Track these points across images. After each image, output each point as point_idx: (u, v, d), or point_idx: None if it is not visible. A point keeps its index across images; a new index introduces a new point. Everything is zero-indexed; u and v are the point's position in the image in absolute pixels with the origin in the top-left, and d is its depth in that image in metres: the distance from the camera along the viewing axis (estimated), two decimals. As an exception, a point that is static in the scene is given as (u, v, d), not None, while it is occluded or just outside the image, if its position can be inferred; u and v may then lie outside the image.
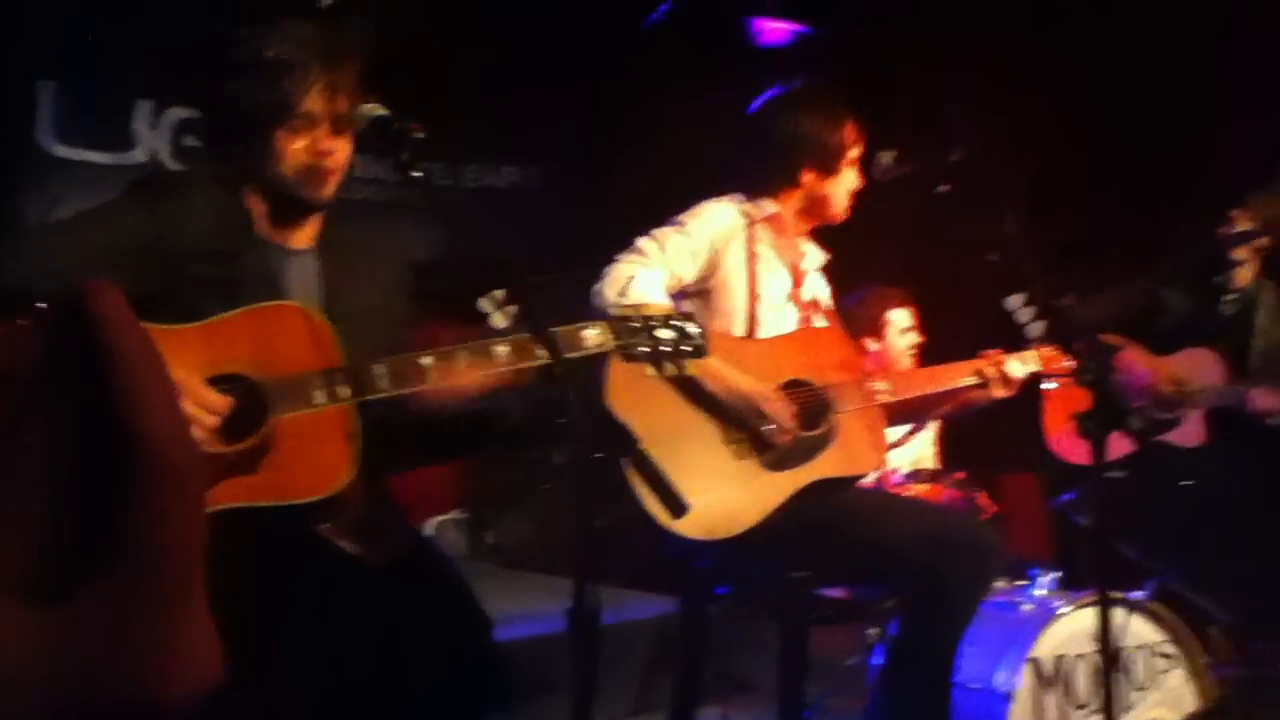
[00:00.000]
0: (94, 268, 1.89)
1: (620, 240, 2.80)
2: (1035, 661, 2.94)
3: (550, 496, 5.14)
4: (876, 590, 2.99)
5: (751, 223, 2.89)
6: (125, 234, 2.02)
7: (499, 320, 2.08)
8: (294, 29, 2.08)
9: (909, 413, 3.07)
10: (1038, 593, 3.14)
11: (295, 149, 2.07)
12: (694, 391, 2.67)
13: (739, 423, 2.67)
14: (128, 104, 4.67)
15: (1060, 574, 3.26)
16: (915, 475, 3.62)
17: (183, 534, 1.06)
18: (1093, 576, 3.78)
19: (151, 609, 1.04)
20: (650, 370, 2.19)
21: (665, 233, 2.79)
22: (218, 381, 1.90)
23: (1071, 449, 3.90)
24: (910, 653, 2.71)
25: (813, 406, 2.75)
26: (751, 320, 2.85)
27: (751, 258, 2.87)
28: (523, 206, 5.57)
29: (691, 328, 2.22)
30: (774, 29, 5.42)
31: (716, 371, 2.67)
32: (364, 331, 2.08)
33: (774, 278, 2.91)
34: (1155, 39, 4.29)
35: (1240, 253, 3.90)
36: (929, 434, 4.02)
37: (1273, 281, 3.91)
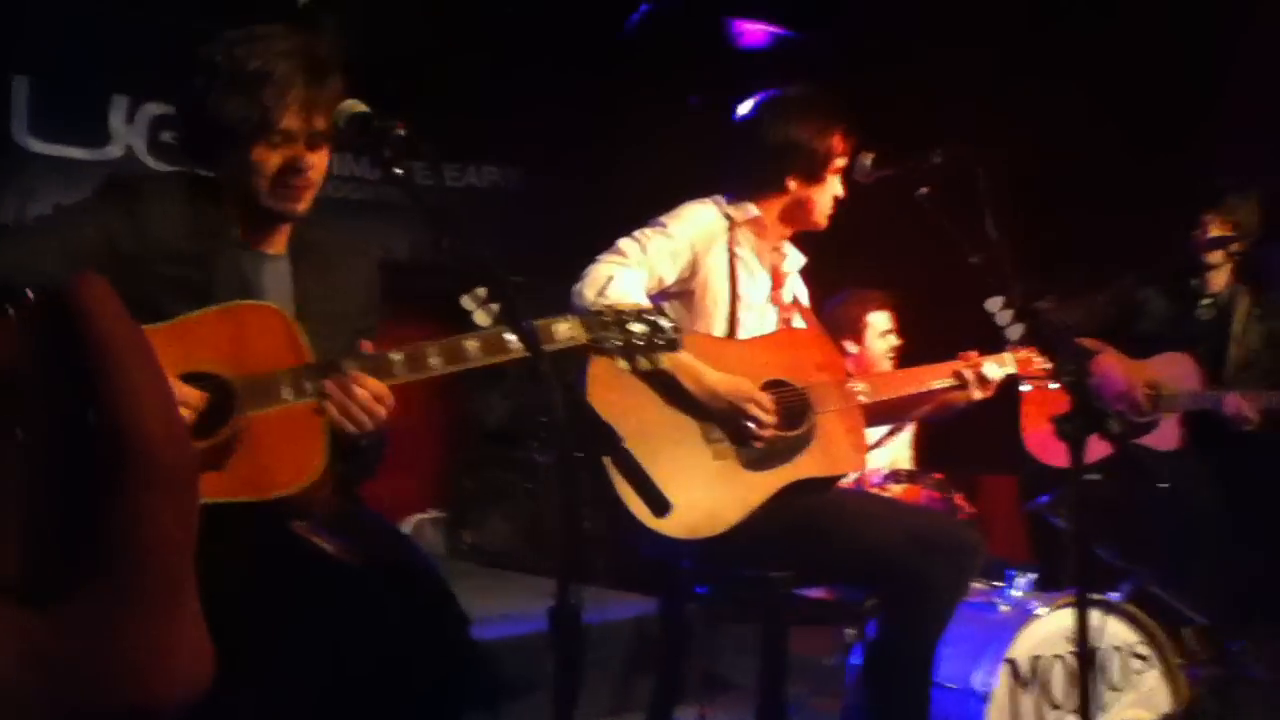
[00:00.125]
0: (67, 266, 1.88)
1: (601, 241, 2.80)
2: (1012, 662, 2.96)
3: (530, 496, 5.14)
4: (856, 590, 2.99)
5: (733, 225, 2.89)
6: (99, 233, 2.01)
7: (481, 318, 2.08)
8: (277, 40, 2.07)
9: (888, 414, 3.09)
10: (1015, 594, 3.16)
11: (272, 163, 2.07)
12: (675, 391, 2.67)
13: (720, 422, 2.68)
14: (104, 99, 4.62)
15: (1037, 575, 3.27)
16: (893, 476, 3.63)
17: (175, 532, 1.05)
18: (1069, 578, 3.81)
19: (143, 609, 1.03)
20: (623, 364, 2.20)
21: (646, 233, 2.79)
22: (187, 380, 1.90)
23: (1049, 451, 3.94)
24: (889, 653, 2.72)
25: (793, 407, 2.76)
26: (732, 321, 2.85)
27: (732, 259, 2.87)
28: (503, 206, 5.56)
29: (664, 321, 2.23)
30: (754, 31, 5.43)
31: (697, 371, 2.67)
32: (337, 334, 2.08)
33: (754, 280, 2.91)
34: (1141, 38, 4.32)
35: (1214, 257, 3.94)
36: (905, 436, 4.04)
37: (1247, 286, 3.96)
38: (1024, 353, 2.95)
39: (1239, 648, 3.51)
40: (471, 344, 2.06)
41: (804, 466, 2.72)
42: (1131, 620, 3.09)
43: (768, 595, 2.66)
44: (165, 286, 2.01)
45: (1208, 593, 3.61)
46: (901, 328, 3.99)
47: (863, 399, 2.84)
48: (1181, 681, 3.07)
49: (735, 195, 2.93)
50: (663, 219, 2.83)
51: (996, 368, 2.94)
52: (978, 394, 2.92)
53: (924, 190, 2.60)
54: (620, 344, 2.19)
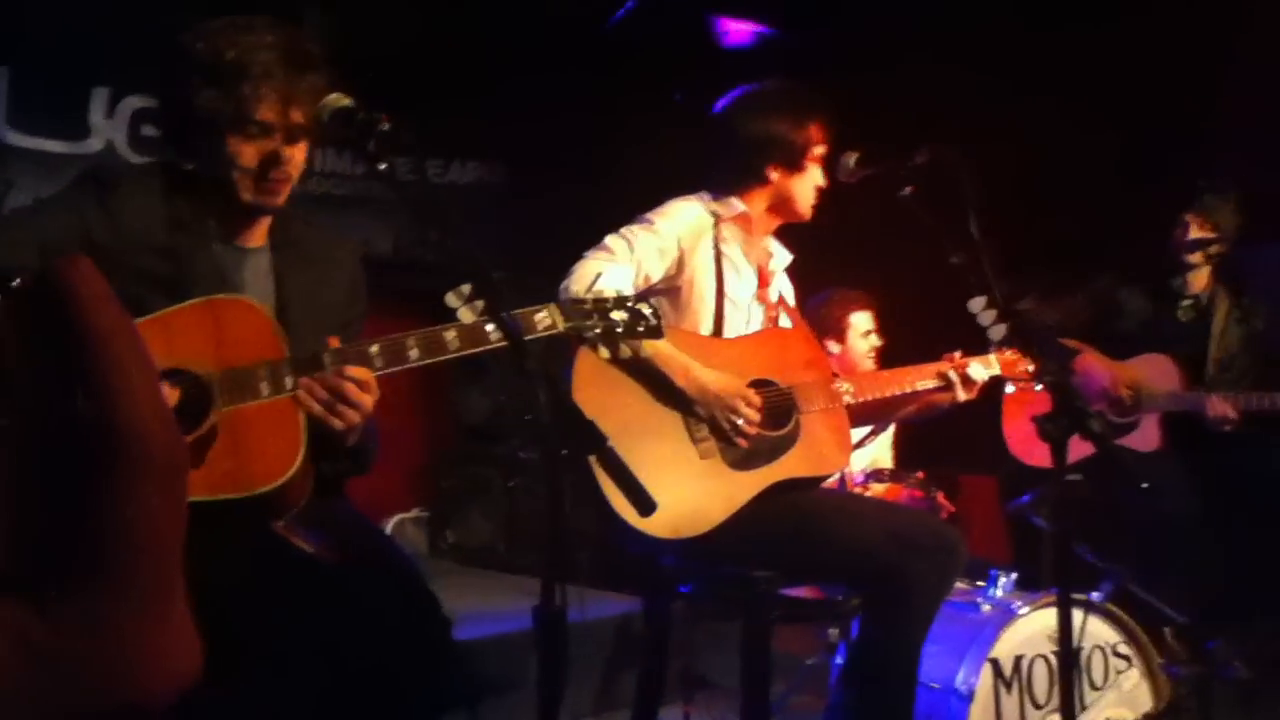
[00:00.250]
0: (41, 259, 1.86)
1: (585, 238, 2.80)
2: (995, 662, 2.97)
3: (512, 494, 5.12)
4: (839, 589, 3.00)
5: (719, 221, 2.89)
6: (74, 225, 2.00)
7: (466, 315, 2.06)
8: (256, 32, 2.05)
9: (872, 414, 3.09)
10: (997, 593, 3.17)
11: (248, 155, 2.06)
12: (661, 388, 2.67)
13: (706, 420, 2.67)
14: (84, 92, 4.58)
15: (1017, 575, 3.28)
16: (875, 475, 3.64)
17: (166, 522, 1.03)
18: (1049, 577, 3.83)
19: (134, 602, 1.01)
20: (604, 352, 2.19)
21: (633, 230, 2.78)
22: (163, 375, 1.87)
23: (1031, 450, 3.95)
24: (872, 653, 2.72)
25: (778, 406, 2.76)
26: (718, 318, 2.85)
27: (719, 257, 2.87)
28: (486, 202, 5.54)
29: (645, 308, 2.23)
30: (738, 29, 5.43)
31: (687, 366, 2.67)
32: (319, 329, 2.07)
33: (741, 277, 2.91)
34: (1129, 42, 4.34)
35: (1194, 257, 3.96)
36: (886, 435, 4.05)
37: (1226, 288, 3.98)
38: (1008, 354, 2.95)
39: (1217, 647, 3.53)
40: (450, 334, 2.04)
41: (789, 466, 2.72)
42: (1113, 619, 3.10)
43: (751, 594, 2.66)
44: (141, 280, 1.99)
45: (1187, 592, 3.63)
46: (883, 328, 4.01)
47: (848, 399, 2.84)
48: (1163, 680, 3.09)
49: (719, 191, 2.93)
50: (649, 216, 2.83)
51: (982, 369, 2.95)
52: (963, 395, 2.93)
53: (907, 190, 2.60)
54: (600, 332, 2.18)
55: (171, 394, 1.86)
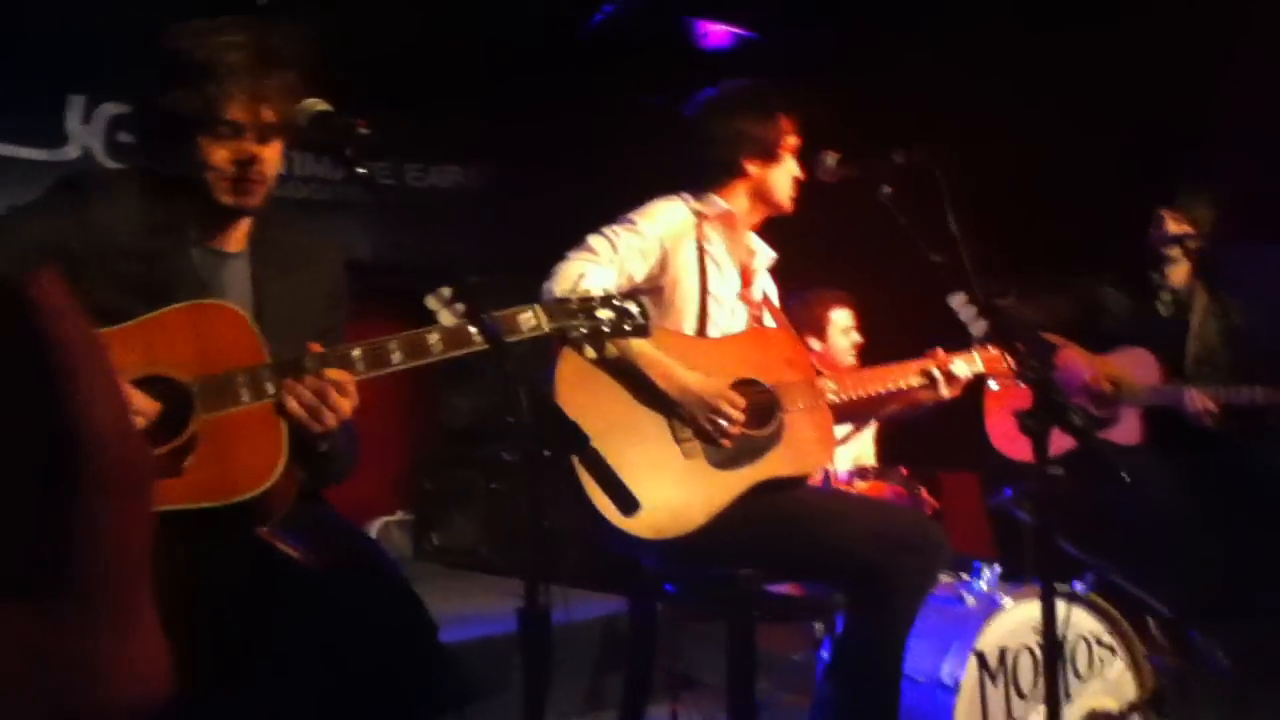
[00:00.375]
0: (16, 268, 1.85)
1: (564, 240, 2.79)
2: (980, 654, 2.98)
3: (496, 497, 5.12)
4: (823, 586, 3.00)
5: (702, 220, 2.90)
6: (49, 234, 1.98)
7: (446, 318, 2.06)
8: (226, 32, 2.04)
9: (857, 412, 3.10)
10: (981, 586, 3.18)
11: (221, 157, 2.05)
12: (644, 389, 2.67)
13: (689, 421, 2.68)
14: (60, 98, 4.56)
15: (1001, 568, 3.30)
16: (860, 472, 3.65)
17: (128, 537, 1.03)
18: (1031, 570, 3.85)
19: (96, 616, 1.00)
20: (590, 352, 2.18)
21: (616, 230, 2.79)
22: (143, 384, 1.88)
23: (1012, 444, 3.97)
24: (856, 649, 2.73)
25: (762, 405, 2.76)
26: (702, 318, 2.86)
27: (702, 255, 2.87)
28: (466, 206, 5.54)
29: (632, 306, 2.21)
30: (717, 32, 5.44)
31: (668, 368, 2.67)
32: (299, 334, 2.06)
33: (724, 276, 2.91)
34: (1121, 35, 4.36)
35: (1173, 252, 3.99)
36: (869, 433, 4.07)
37: (1205, 283, 4.01)
38: (991, 350, 2.96)
39: (1199, 638, 3.55)
40: (433, 337, 2.04)
41: (772, 465, 2.73)
42: (1097, 610, 3.12)
43: (735, 592, 2.66)
44: (119, 286, 1.98)
45: (1168, 584, 3.65)
46: (864, 326, 4.02)
47: (831, 398, 2.85)
48: (1147, 671, 3.10)
49: (699, 190, 2.94)
50: (632, 216, 2.83)
51: (965, 366, 2.96)
52: (946, 392, 2.93)
53: (886, 190, 2.62)
54: (586, 332, 2.17)
55: (152, 406, 1.85)
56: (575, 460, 2.35)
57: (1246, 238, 4.01)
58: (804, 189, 2.99)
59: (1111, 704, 3.07)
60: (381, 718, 1.95)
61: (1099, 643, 3.09)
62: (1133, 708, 3.06)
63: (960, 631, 3.00)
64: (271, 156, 2.10)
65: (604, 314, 2.19)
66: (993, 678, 2.99)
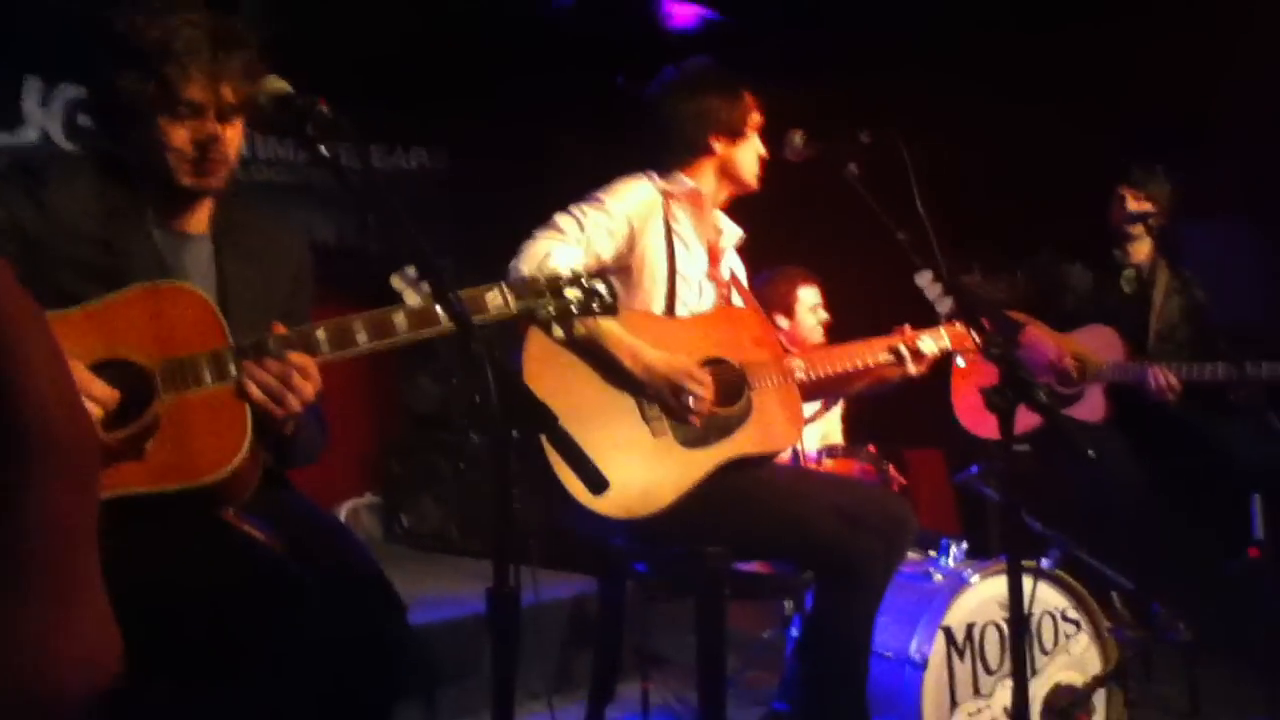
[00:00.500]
0: None
1: (529, 223, 2.77)
2: (947, 629, 3.00)
3: (465, 479, 5.11)
4: (792, 564, 3.02)
5: (669, 199, 2.89)
6: (4, 218, 1.95)
7: (411, 298, 2.04)
8: (183, 12, 2.02)
9: (825, 389, 3.11)
10: (948, 563, 3.21)
11: (180, 137, 2.03)
12: (612, 369, 2.67)
13: (657, 400, 2.68)
14: (17, 81, 4.48)
15: (968, 544, 3.33)
16: (828, 450, 3.67)
17: (74, 518, 1.01)
18: (998, 546, 3.88)
19: (41, 601, 0.99)
20: (558, 332, 2.16)
21: (583, 209, 2.77)
22: (103, 368, 1.85)
23: (979, 422, 4.00)
24: (824, 627, 2.75)
25: (730, 384, 2.77)
26: (671, 297, 2.85)
27: (669, 234, 2.87)
28: (430, 188, 5.50)
29: (600, 285, 2.20)
30: (683, 13, 5.42)
31: (635, 348, 2.67)
32: (263, 316, 2.03)
33: (692, 254, 2.91)
34: (1121, 35, 4.38)
35: (1135, 229, 4.03)
36: (836, 411, 4.09)
37: (1166, 260, 4.04)
38: (957, 327, 2.98)
39: (1161, 610, 3.60)
40: (399, 317, 2.02)
41: (741, 443, 2.73)
42: (1062, 585, 3.15)
43: (705, 571, 2.67)
44: (77, 271, 1.96)
45: (1130, 559, 3.70)
46: (830, 304, 4.04)
47: (800, 375, 2.86)
48: (1111, 644, 3.14)
49: (665, 169, 2.93)
50: (599, 194, 2.82)
51: (931, 342, 2.97)
52: (913, 369, 2.95)
53: (852, 167, 2.62)
54: (553, 311, 2.15)
55: (111, 394, 1.83)
56: (543, 440, 2.34)
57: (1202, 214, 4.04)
58: (771, 168, 2.99)
59: (1077, 678, 3.11)
60: (351, 701, 1.94)
61: (1064, 617, 3.13)
62: (1097, 681, 3.10)
63: (928, 608, 3.02)
64: (232, 136, 2.08)
65: (571, 293, 2.17)
66: (960, 653, 3.01)
